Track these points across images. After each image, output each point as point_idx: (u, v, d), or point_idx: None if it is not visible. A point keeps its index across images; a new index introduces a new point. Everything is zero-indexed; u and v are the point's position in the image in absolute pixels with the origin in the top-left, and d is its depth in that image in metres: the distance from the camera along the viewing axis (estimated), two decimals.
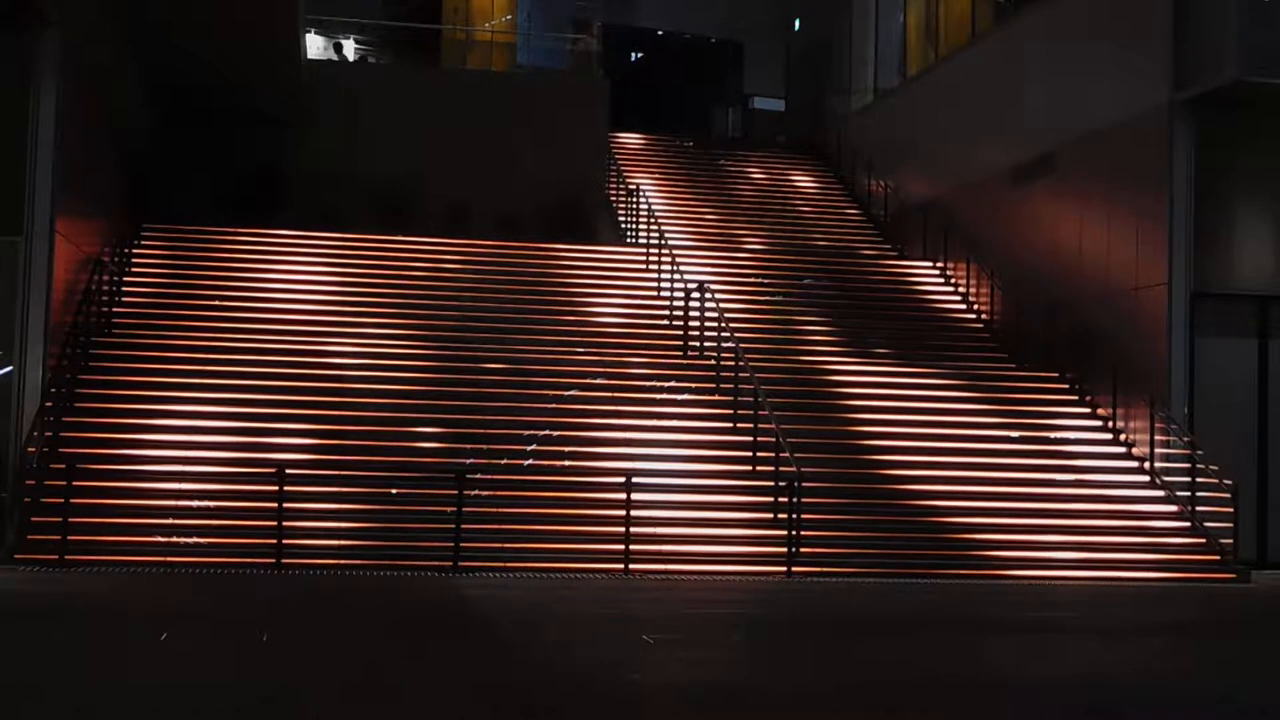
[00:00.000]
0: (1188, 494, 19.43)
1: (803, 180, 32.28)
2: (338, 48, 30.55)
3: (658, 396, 20.62)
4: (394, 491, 17.97)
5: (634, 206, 27.17)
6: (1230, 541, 18.59)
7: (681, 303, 22.68)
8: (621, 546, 16.96)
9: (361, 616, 13.11)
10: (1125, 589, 17.26)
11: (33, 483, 16.83)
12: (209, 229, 24.24)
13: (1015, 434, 21.01)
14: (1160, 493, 19.92)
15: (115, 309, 21.32)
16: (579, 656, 11.00)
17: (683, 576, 16.80)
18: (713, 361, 21.28)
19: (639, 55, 44.52)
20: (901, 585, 16.79)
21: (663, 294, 23.74)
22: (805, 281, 25.54)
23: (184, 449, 18.15)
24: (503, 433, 19.37)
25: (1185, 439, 19.73)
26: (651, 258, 24.92)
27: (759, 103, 43.28)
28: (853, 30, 32.96)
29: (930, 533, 18.49)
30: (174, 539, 16.61)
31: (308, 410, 19.34)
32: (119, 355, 20.02)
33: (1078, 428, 21.41)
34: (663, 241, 24.66)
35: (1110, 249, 21.65)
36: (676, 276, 23.43)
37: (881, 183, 29.45)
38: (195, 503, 17.19)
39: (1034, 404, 21.97)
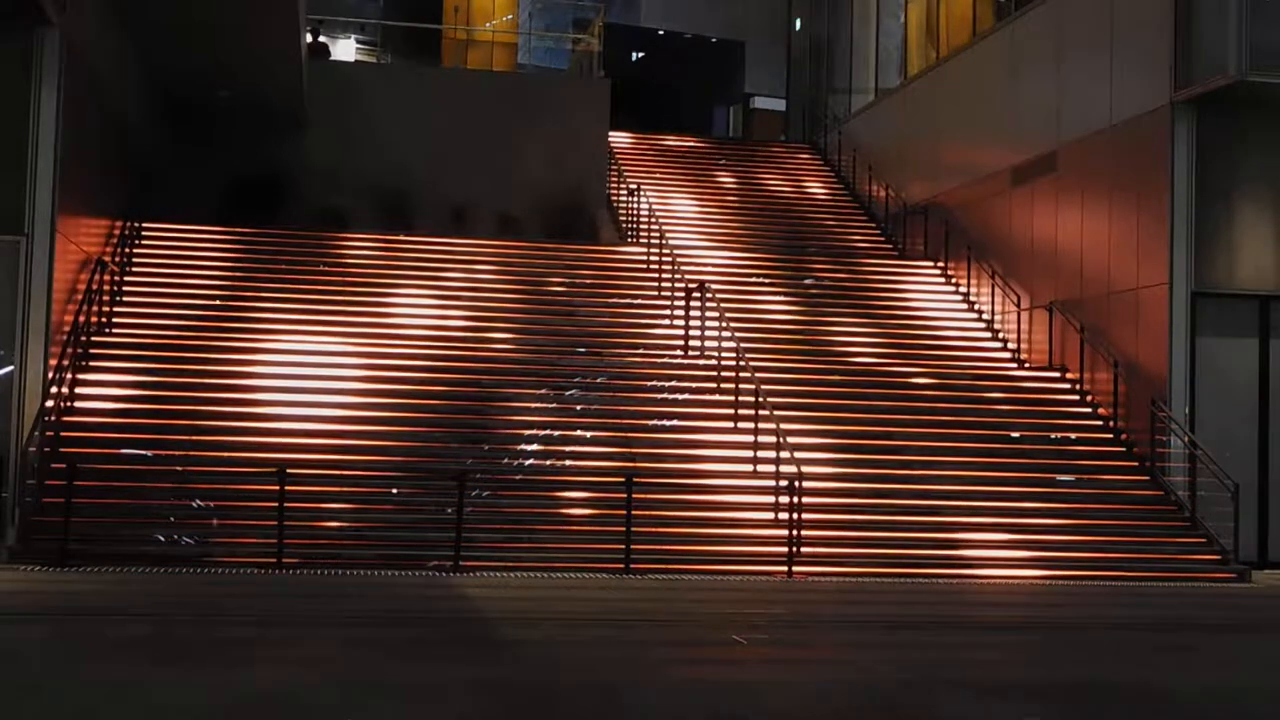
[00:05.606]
0: (1188, 494, 19.43)
1: (804, 180, 32.25)
2: (321, 47, 30.30)
3: (658, 396, 20.62)
4: (394, 491, 17.99)
5: (634, 206, 27.16)
6: (1231, 541, 18.58)
7: (682, 303, 22.69)
8: (622, 546, 16.96)
9: (361, 616, 13.10)
10: (1126, 589, 17.25)
11: (33, 483, 16.83)
12: (209, 228, 24.25)
13: (1016, 434, 21.03)
14: (1160, 492, 19.92)
15: (115, 309, 21.33)
16: (579, 656, 11.00)
17: (684, 576, 16.80)
18: (713, 361, 21.27)
19: (640, 55, 44.55)
20: (902, 585, 16.79)
21: (663, 293, 23.74)
22: (806, 282, 25.54)
23: (184, 449, 18.15)
24: (503, 433, 19.37)
25: (1186, 439, 19.72)
26: (652, 257, 24.92)
27: (759, 102, 43.29)
28: (853, 30, 32.94)
29: (930, 533, 18.48)
30: (174, 539, 16.62)
31: (308, 410, 19.34)
32: (119, 355, 20.02)
33: (1079, 427, 21.41)
34: (663, 241, 24.65)
35: (1110, 249, 21.64)
36: (676, 276, 23.44)
37: (882, 186, 29.45)
38: (195, 502, 17.20)
39: (1036, 403, 21.99)
